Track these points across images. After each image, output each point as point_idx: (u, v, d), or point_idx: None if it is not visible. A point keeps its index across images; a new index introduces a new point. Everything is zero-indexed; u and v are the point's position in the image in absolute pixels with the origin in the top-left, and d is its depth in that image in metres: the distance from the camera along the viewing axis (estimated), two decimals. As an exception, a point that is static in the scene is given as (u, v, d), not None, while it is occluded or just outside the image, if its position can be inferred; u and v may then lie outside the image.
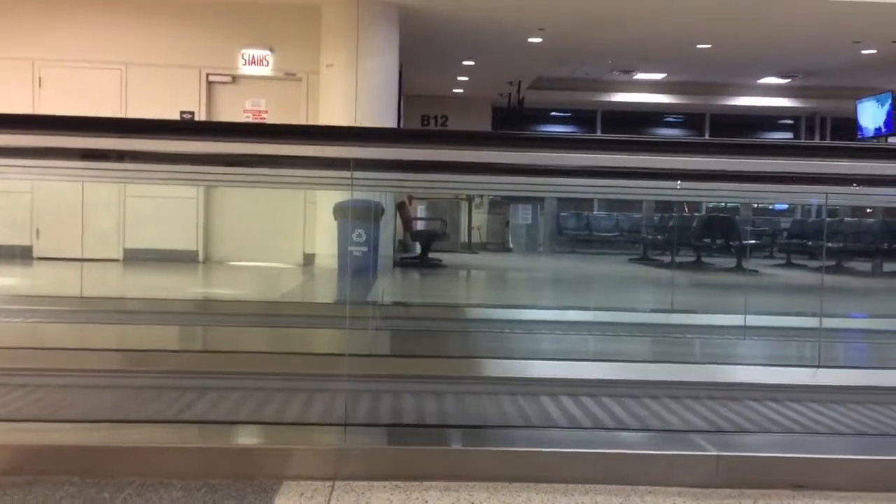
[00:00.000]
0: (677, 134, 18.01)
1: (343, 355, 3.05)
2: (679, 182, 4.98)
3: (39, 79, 9.41)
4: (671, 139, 12.28)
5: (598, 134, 14.96)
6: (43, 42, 9.34)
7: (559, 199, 13.91)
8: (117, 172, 4.35)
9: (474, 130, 13.04)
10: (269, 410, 2.89)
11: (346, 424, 2.56)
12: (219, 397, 3.01)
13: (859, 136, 12.59)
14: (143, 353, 3.80)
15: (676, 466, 2.36)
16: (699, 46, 11.77)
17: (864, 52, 11.77)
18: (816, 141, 15.34)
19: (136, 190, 8.42)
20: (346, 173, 2.89)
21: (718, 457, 2.36)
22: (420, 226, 11.27)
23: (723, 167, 3.31)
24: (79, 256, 7.31)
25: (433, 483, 2.23)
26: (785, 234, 13.19)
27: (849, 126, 13.35)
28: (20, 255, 8.91)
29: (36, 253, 8.99)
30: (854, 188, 3.99)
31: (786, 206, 16.28)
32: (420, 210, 12.14)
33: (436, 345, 4.59)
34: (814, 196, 6.28)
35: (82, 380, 3.17)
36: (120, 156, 3.57)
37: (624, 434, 2.60)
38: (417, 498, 2.15)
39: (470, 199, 13.33)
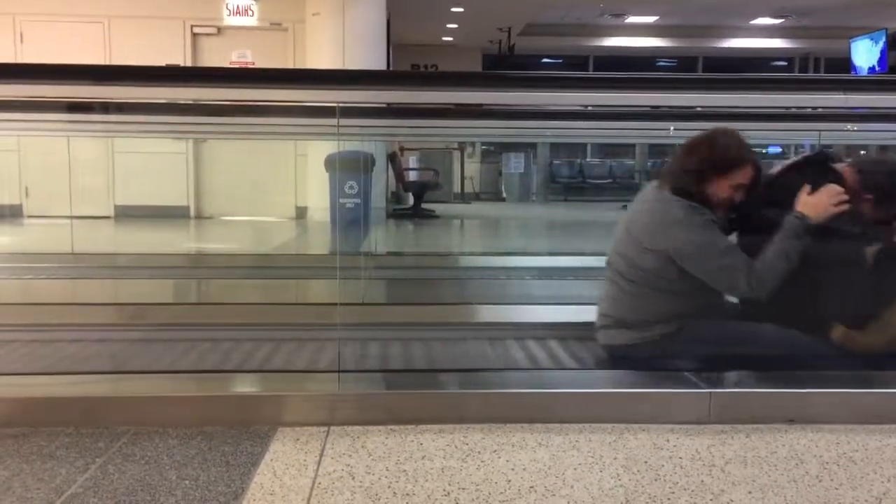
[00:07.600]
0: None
1: (336, 304, 3.04)
2: (672, 126, 4.91)
3: (21, 34, 9.23)
4: (655, 76, 12.12)
5: (588, 72, 14.73)
6: (23, -4, 9.15)
7: (552, 147, 13.81)
8: (102, 125, 4.30)
9: (467, 71, 12.91)
10: (261, 359, 2.90)
11: (339, 371, 2.57)
12: (212, 348, 3.02)
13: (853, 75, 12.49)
14: (142, 306, 3.79)
15: (669, 404, 2.37)
16: (691, -13, 11.59)
17: (858, -11, 11.61)
18: (807, 74, 15.18)
19: (124, 145, 8.31)
20: (332, 121, 2.83)
21: (711, 393, 2.37)
22: (412, 176, 11.18)
23: (711, 103, 3.26)
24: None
25: (427, 426, 2.24)
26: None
27: (843, 66, 13.22)
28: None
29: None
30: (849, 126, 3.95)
31: (780, 150, 16.18)
32: (412, 161, 12.04)
33: (428, 292, 4.59)
34: (807, 136, 6.20)
35: (77, 334, 3.17)
36: (104, 107, 3.52)
37: (617, 373, 2.61)
38: (412, 441, 2.16)
39: (462, 148, 13.21)
